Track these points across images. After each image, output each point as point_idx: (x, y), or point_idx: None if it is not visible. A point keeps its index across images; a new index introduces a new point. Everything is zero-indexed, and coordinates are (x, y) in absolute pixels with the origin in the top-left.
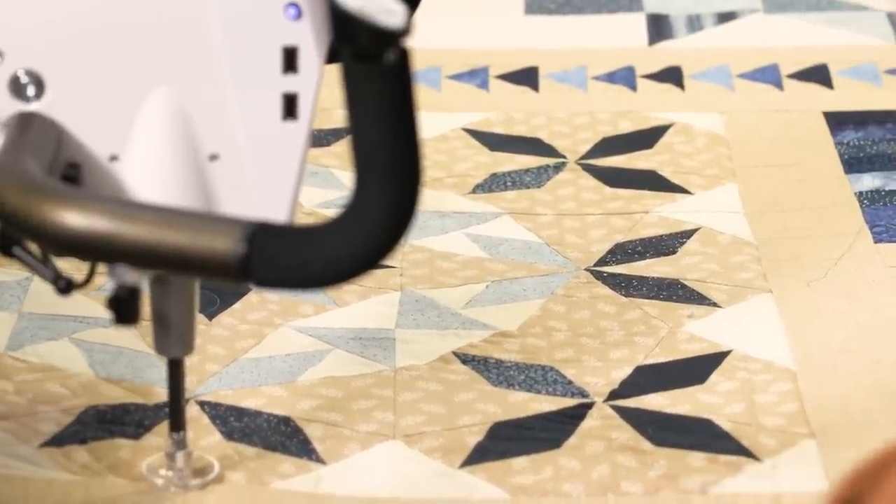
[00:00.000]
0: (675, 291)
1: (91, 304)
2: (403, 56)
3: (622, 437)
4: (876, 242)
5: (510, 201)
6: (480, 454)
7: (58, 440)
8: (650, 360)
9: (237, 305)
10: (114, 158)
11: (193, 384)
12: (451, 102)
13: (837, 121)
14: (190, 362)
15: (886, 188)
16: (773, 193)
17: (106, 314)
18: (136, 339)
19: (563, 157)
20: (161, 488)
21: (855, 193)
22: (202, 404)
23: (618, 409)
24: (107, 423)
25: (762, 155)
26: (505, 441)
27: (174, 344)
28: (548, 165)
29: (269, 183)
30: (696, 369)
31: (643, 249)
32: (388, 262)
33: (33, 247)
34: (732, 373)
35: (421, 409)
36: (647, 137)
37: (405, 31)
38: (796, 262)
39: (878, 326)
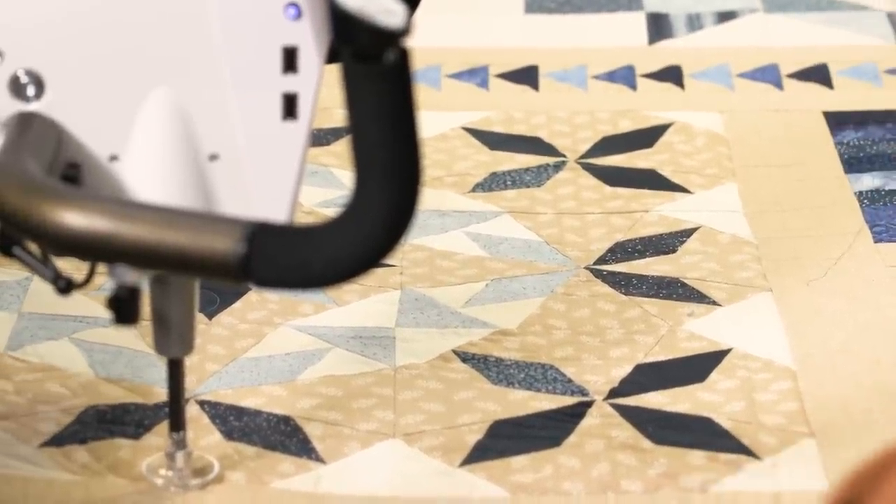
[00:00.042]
0: (675, 290)
1: (91, 304)
2: (403, 56)
3: (622, 435)
4: (876, 242)
5: (510, 200)
6: (480, 453)
7: (58, 440)
8: (650, 359)
9: (237, 305)
10: (114, 158)
11: (193, 384)
12: (451, 101)
13: (837, 121)
14: (190, 362)
15: (886, 188)
16: (773, 193)
17: (106, 314)
18: (136, 339)
19: (563, 156)
20: (161, 488)
21: (855, 193)
22: (202, 404)
23: (618, 407)
24: (107, 422)
25: (762, 154)
26: (505, 439)
27: (174, 344)
28: (548, 164)
29: (269, 183)
30: (696, 368)
31: (643, 248)
32: (387, 260)
33: (33, 247)
34: (732, 371)
35: (421, 408)
36: (647, 136)
37: (405, 31)
38: (796, 262)
39: (878, 326)
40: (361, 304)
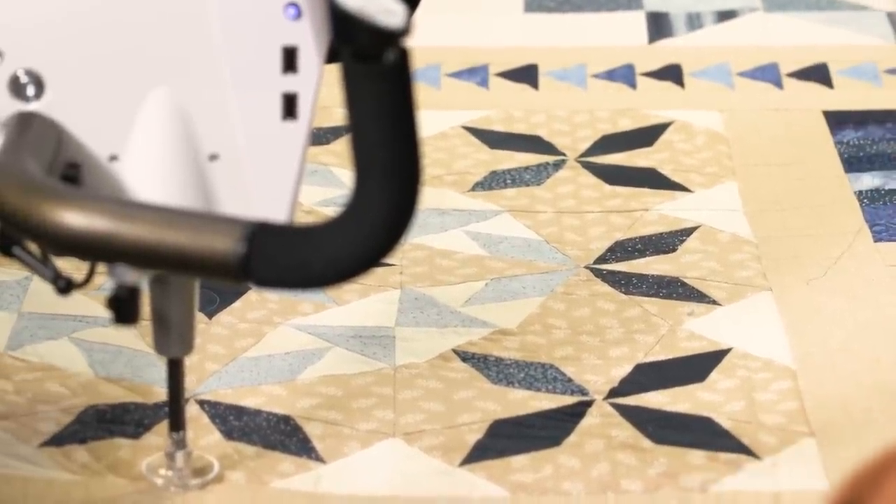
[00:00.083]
0: (674, 289)
1: (91, 303)
2: (403, 56)
3: (622, 434)
4: (875, 241)
5: (510, 199)
6: (480, 452)
7: (57, 440)
8: (650, 358)
9: (237, 304)
10: (114, 158)
11: (193, 383)
12: (451, 100)
13: (837, 120)
14: (189, 361)
15: (886, 187)
16: (773, 192)
17: (106, 314)
18: (136, 339)
19: (563, 154)
20: (161, 488)
21: (855, 192)
22: (202, 403)
23: (618, 406)
24: (106, 422)
25: (762, 153)
26: (505, 439)
27: (174, 343)
28: (547, 163)
29: (269, 183)
30: (696, 367)
31: (643, 247)
32: (387, 259)
33: (33, 247)
34: (732, 371)
35: (421, 407)
36: (647, 135)
37: (405, 31)
38: (796, 261)
39: (878, 325)
40: (361, 303)
